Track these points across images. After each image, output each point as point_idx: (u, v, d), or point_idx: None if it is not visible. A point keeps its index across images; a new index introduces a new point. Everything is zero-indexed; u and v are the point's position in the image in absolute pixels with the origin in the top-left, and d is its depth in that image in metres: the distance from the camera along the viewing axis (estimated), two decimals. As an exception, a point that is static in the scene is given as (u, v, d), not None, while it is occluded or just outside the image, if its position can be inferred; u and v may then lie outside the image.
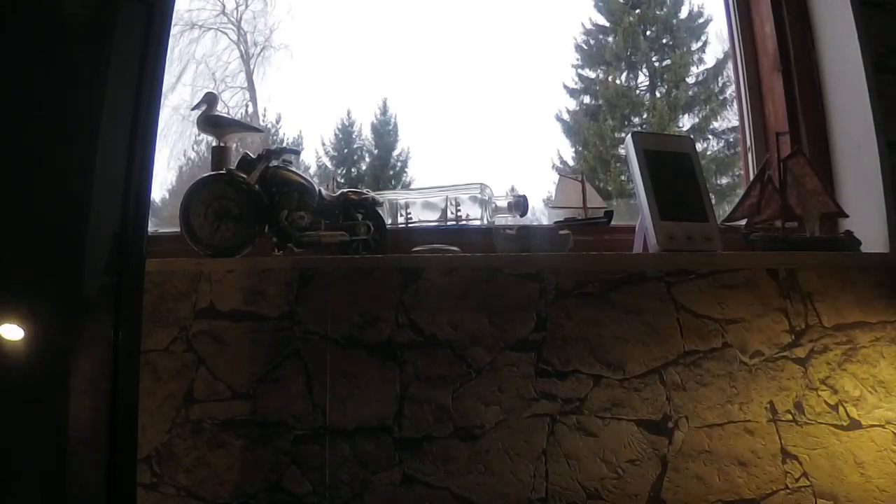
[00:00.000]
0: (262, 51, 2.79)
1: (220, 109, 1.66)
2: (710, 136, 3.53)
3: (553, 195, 1.75)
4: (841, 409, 1.34)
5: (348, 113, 3.63)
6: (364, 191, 1.55)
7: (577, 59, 3.74)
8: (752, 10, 1.80)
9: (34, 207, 0.80)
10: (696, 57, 3.69)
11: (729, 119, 3.40)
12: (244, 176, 1.39)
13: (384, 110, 3.80)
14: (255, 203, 1.38)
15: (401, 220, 1.67)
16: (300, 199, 1.42)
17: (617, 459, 1.34)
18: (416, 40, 3.24)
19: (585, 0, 3.63)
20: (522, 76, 3.24)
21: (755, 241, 1.43)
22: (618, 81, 3.69)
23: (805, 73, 1.66)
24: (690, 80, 3.62)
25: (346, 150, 3.71)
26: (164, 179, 2.46)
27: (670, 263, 1.38)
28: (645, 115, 3.65)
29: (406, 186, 3.26)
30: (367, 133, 3.74)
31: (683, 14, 3.80)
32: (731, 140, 3.38)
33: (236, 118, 1.89)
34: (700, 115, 3.58)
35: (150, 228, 1.23)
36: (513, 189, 1.80)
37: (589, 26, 3.78)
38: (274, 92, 2.87)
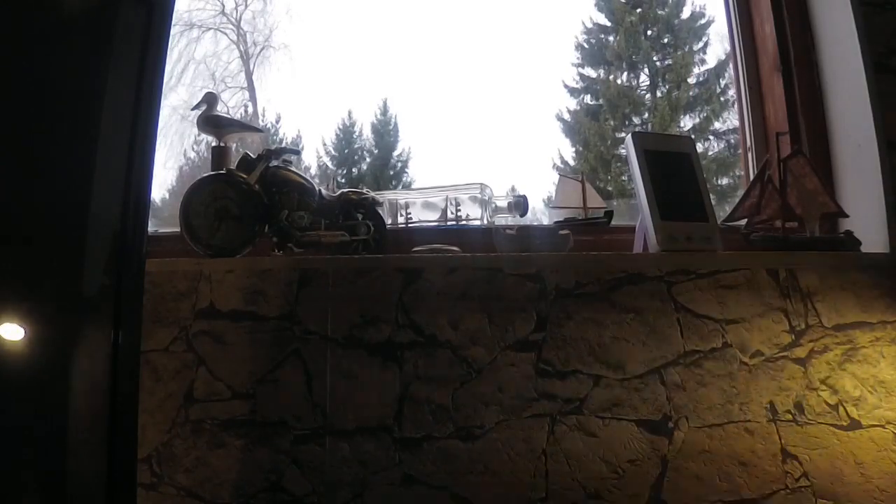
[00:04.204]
0: (261, 51, 2.79)
1: (220, 109, 1.66)
2: (710, 137, 3.53)
3: (553, 195, 1.75)
4: (841, 409, 1.34)
5: (349, 113, 3.64)
6: (364, 191, 1.55)
7: (578, 59, 3.74)
8: (752, 9, 1.80)
9: (34, 207, 0.80)
10: (697, 57, 3.70)
11: (730, 120, 3.41)
12: (244, 176, 1.39)
13: (384, 110, 3.80)
14: (255, 203, 1.38)
15: (401, 220, 1.67)
16: (300, 199, 1.42)
17: (617, 459, 1.34)
18: (417, 40, 3.25)
19: (586, -1, 3.63)
20: (523, 75, 3.24)
21: (755, 241, 1.43)
22: (619, 81, 3.69)
23: (805, 73, 1.65)
24: (692, 80, 3.62)
25: (346, 151, 3.71)
26: (164, 179, 2.46)
27: (670, 263, 1.38)
28: (646, 115, 3.65)
29: (407, 186, 3.26)
30: (367, 133, 3.75)
31: (685, 14, 3.80)
32: (732, 141, 3.38)
33: (236, 118, 1.89)
34: (701, 116, 3.58)
35: (150, 228, 1.23)
36: (513, 189, 1.80)
37: (590, 25, 3.78)
38: (274, 92, 2.88)
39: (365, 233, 1.49)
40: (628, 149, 1.44)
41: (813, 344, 1.36)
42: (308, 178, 1.48)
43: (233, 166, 1.45)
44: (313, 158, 3.33)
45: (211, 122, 1.58)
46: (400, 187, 3.25)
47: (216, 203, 1.36)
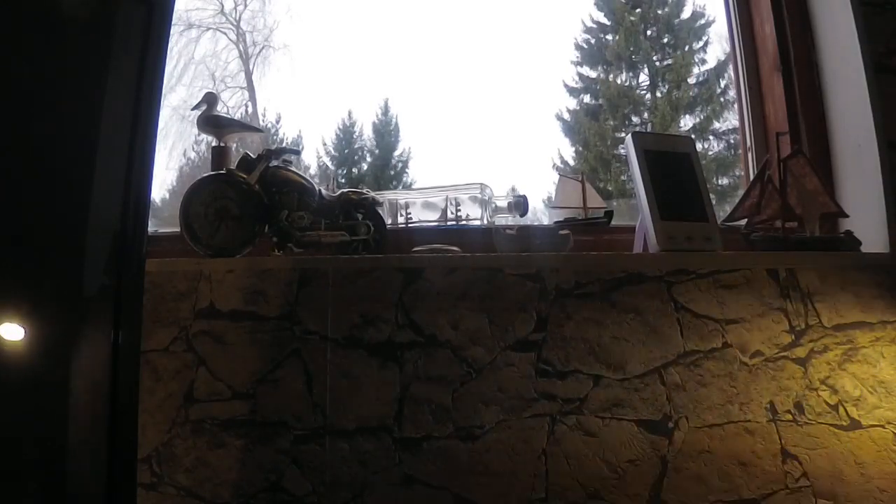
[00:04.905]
0: (261, 51, 2.79)
1: (220, 109, 1.66)
2: (710, 137, 3.53)
3: (553, 195, 1.75)
4: (841, 409, 1.34)
5: (349, 113, 3.63)
6: (364, 190, 1.55)
7: (578, 58, 3.74)
8: (752, 10, 1.80)
9: (34, 207, 0.80)
10: (697, 57, 3.69)
11: (730, 120, 3.40)
12: (244, 176, 1.39)
13: (385, 110, 3.79)
14: (255, 203, 1.38)
15: (401, 220, 1.67)
16: (300, 199, 1.42)
17: (617, 459, 1.34)
18: (417, 40, 3.24)
19: (586, -2, 3.62)
20: (523, 75, 3.24)
21: (755, 241, 1.43)
22: (619, 81, 3.69)
23: (805, 73, 1.65)
24: (692, 80, 3.61)
25: (346, 151, 3.71)
26: (164, 179, 2.46)
27: (670, 263, 1.37)
28: (646, 115, 3.64)
29: (407, 187, 3.26)
30: (368, 133, 3.74)
31: (685, 14, 3.80)
32: (732, 141, 3.37)
33: (236, 118, 1.89)
34: (701, 116, 3.58)
35: (150, 228, 1.23)
36: (513, 189, 1.80)
37: (590, 24, 3.78)
38: (274, 92, 2.87)
39: (365, 233, 1.49)
40: (628, 149, 1.44)
41: (813, 344, 1.36)
42: (308, 178, 1.48)
43: (233, 166, 1.45)
44: (313, 158, 3.33)
45: (211, 122, 1.59)
46: (400, 187, 3.25)
47: (216, 203, 1.36)
